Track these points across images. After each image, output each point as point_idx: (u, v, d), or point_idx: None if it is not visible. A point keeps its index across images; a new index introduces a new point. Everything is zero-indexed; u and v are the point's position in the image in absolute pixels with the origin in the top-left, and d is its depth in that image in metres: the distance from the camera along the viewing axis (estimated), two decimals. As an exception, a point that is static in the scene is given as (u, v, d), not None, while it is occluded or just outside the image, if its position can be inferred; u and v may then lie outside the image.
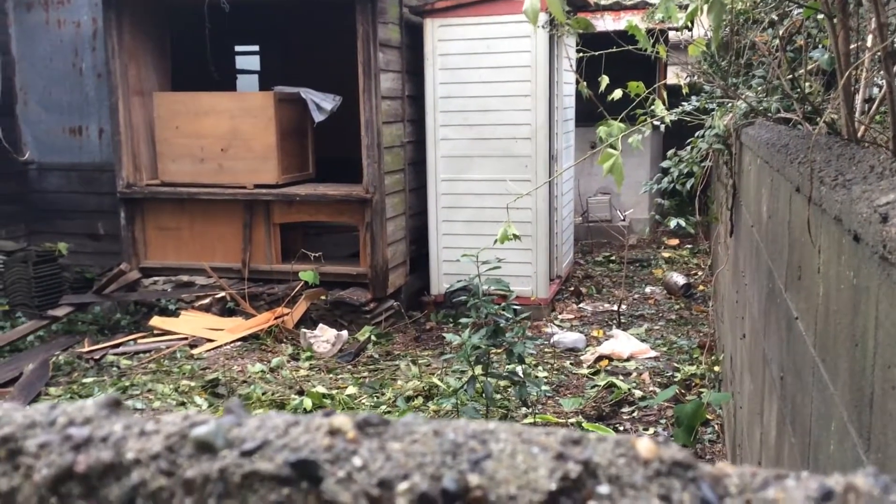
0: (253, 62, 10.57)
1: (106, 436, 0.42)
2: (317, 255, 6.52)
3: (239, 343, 6.20)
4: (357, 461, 0.40)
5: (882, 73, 1.82)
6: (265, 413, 0.44)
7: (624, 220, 9.89)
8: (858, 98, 2.30)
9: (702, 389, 4.96)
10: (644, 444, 0.40)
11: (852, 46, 2.16)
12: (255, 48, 10.41)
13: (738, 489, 0.38)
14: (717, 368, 5.01)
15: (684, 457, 0.39)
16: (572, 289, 7.86)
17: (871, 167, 1.34)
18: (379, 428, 0.41)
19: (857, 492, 0.37)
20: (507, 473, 0.39)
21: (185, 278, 6.99)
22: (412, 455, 0.39)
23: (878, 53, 1.74)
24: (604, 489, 0.39)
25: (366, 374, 5.65)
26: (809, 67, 2.83)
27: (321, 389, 5.14)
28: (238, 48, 10.39)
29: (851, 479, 0.38)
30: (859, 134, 1.98)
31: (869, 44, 2.44)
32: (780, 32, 3.10)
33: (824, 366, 1.40)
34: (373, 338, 6.28)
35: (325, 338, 6.13)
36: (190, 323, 6.43)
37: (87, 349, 6.04)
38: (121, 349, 6.07)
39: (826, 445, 1.37)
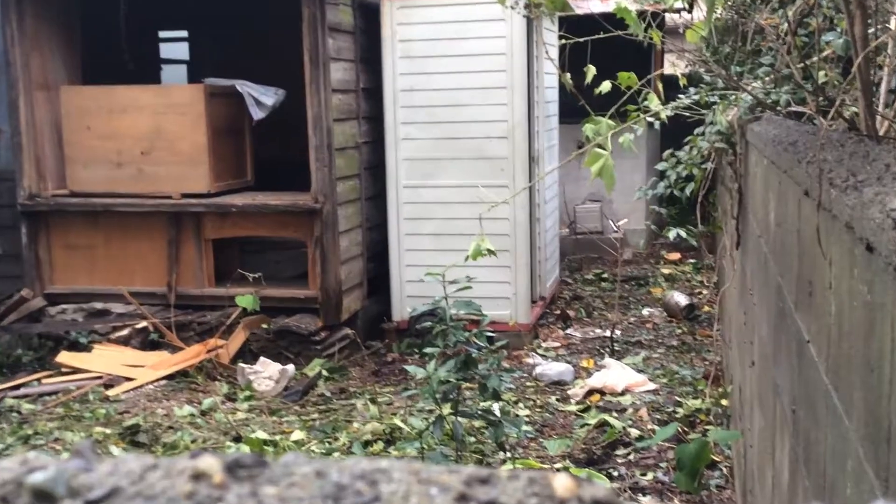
0: (181, 50, 10.52)
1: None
2: (257, 276, 6.49)
3: (164, 382, 6.15)
4: (222, 510, 0.39)
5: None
6: (121, 456, 0.44)
7: (617, 231, 9.97)
8: (881, 89, 2.34)
9: (707, 427, 4.99)
10: (561, 482, 0.41)
11: (871, 30, 2.20)
12: (184, 34, 10.37)
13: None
14: (724, 402, 5.03)
15: (606, 495, 0.40)
16: (558, 312, 7.87)
17: (886, 166, 1.37)
18: (252, 470, 0.41)
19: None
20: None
21: (98, 306, 6.91)
22: (287, 501, 0.39)
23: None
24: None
25: (316, 415, 5.63)
26: (824, 54, 2.87)
27: (262, 435, 5.11)
28: (163, 34, 10.34)
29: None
30: (881, 130, 2.01)
31: (893, 26, 2.50)
32: (791, 14, 3.14)
33: (838, 395, 1.41)
34: (324, 373, 6.28)
35: (267, 374, 6.10)
36: (105, 359, 6.36)
37: (-20, 392, 5.96)
38: (22, 391, 6.00)
39: (842, 488, 1.38)
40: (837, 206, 1.36)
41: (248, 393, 5.96)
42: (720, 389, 5.33)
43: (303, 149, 6.71)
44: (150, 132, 6.88)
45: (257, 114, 6.89)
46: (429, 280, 4.41)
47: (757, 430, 3.00)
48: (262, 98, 6.92)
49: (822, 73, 2.82)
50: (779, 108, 3.23)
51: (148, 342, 6.63)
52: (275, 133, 8.03)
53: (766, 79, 3.74)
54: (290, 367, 6.21)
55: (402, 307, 7.08)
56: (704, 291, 8.30)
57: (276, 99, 6.97)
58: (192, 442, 5.07)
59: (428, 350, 4.44)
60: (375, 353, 6.87)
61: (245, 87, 6.93)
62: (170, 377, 6.19)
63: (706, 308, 7.78)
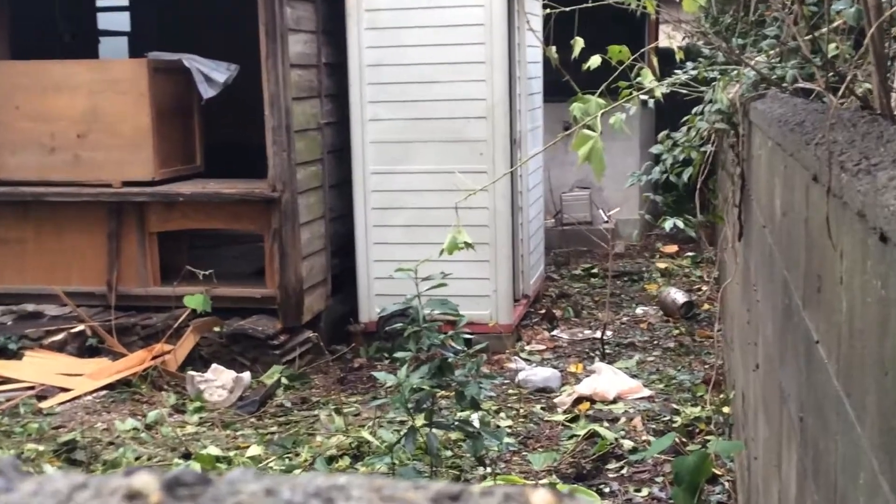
0: (121, 21, 10.44)
1: None
2: (208, 273, 6.46)
3: (104, 392, 6.12)
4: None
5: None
6: (48, 474, 0.44)
7: (608, 221, 9.98)
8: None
9: (708, 437, 5.02)
10: (540, 498, 0.41)
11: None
12: (124, 2, 10.29)
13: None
14: (726, 409, 5.05)
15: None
16: (543, 311, 7.89)
17: (902, 148, 1.38)
18: (194, 489, 0.40)
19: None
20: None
21: (30, 307, 6.86)
22: (235, 523, 0.39)
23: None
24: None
25: (274, 428, 5.63)
26: (834, 24, 2.87)
27: (214, 451, 5.10)
28: (101, 2, 10.27)
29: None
30: (896, 107, 2.03)
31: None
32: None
33: (850, 401, 1.42)
34: (283, 380, 6.28)
35: (219, 382, 6.09)
36: (37, 367, 6.31)
37: None
38: (-57, 404, 5.92)
39: (854, 503, 1.39)
40: (848, 193, 1.37)
41: (198, 404, 5.94)
42: (721, 396, 5.35)
43: (258, 131, 6.68)
44: (86, 113, 6.82)
45: (207, 91, 6.85)
46: (399, 276, 4.40)
47: (762, 439, 3.01)
48: (212, 74, 6.88)
49: (832, 45, 2.78)
50: (785, 84, 3.23)
51: (86, 348, 6.59)
52: (227, 113, 7.99)
53: (771, 52, 3.74)
54: (246, 375, 6.20)
55: (371, 307, 7.07)
56: (704, 288, 8.34)
57: (227, 75, 6.93)
58: (136, 459, 5.04)
59: (399, 354, 4.43)
60: (341, 358, 6.87)
61: (193, 62, 6.88)
62: (110, 387, 6.15)
63: (706, 306, 7.82)
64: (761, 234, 3.11)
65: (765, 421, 2.90)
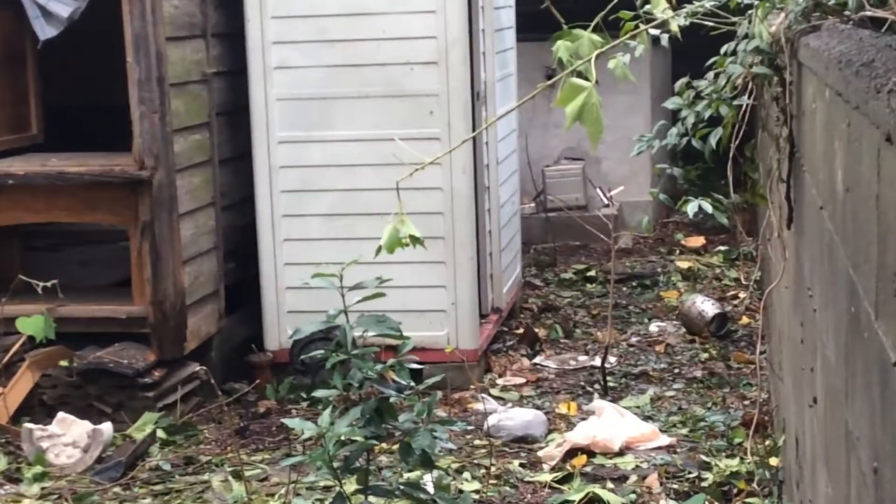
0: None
1: None
2: (50, 284, 6.39)
3: None
4: None
5: None
6: None
7: (609, 205, 10.03)
8: None
9: (750, 499, 5.02)
10: None
11: None
12: None
13: None
14: (774, 461, 5.04)
15: None
16: (521, 331, 7.86)
17: None
18: None
19: None
20: None
21: None
22: None
23: None
24: None
25: (148, 501, 5.58)
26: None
27: (63, 535, 5.05)
28: None
29: None
30: None
31: None
32: None
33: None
34: (160, 434, 6.25)
35: (69, 438, 6.03)
36: None
37: None
38: None
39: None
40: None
41: (39, 469, 5.87)
42: (768, 443, 5.31)
43: (119, 86, 6.61)
44: None
45: (46, 31, 6.75)
46: (319, 285, 4.34)
47: (823, 500, 2.98)
48: (52, 7, 6.76)
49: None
50: (847, 12, 3.22)
51: None
52: (75, 63, 7.95)
53: (829, -32, 3.76)
54: (107, 428, 6.15)
55: (281, 329, 7.06)
56: (742, 294, 8.35)
57: (74, 7, 6.80)
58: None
59: (320, 394, 4.40)
60: (240, 400, 6.83)
61: (25, -9, 6.80)
62: (-87, 447, 6.09)
63: (745, 320, 7.82)
64: (818, 219, 3.05)
65: (826, 475, 2.86)
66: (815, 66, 3.06)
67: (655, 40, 4.49)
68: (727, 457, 5.66)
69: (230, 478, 5.70)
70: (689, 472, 5.58)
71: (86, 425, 6.09)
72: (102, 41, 7.07)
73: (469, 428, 6.19)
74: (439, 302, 6.95)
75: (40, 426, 6.11)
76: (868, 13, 3.01)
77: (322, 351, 4.41)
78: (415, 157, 4.01)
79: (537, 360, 7.49)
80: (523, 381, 7.11)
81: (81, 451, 6.00)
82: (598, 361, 7.13)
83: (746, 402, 6.37)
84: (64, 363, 6.52)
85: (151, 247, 6.60)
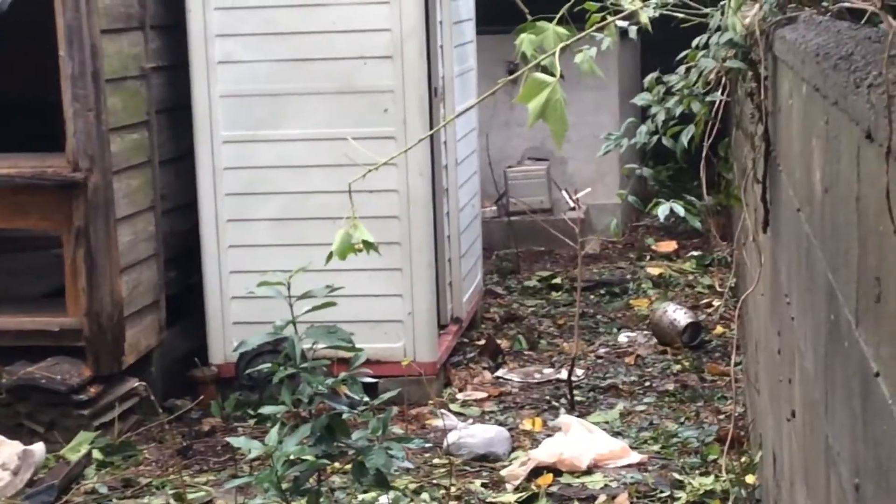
0: None
1: None
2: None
3: None
4: None
5: None
6: None
7: (575, 208, 10.03)
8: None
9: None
10: None
11: None
12: None
13: None
14: (750, 479, 5.18)
15: None
16: (483, 342, 7.95)
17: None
18: None
19: None
20: None
21: None
22: None
23: None
24: None
25: (83, 527, 5.60)
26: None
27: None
28: None
29: None
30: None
31: None
32: None
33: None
34: (97, 454, 6.31)
35: (-4, 460, 5.97)
36: None
37: None
38: None
39: None
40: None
41: (-37, 494, 5.90)
42: (744, 459, 5.46)
43: (51, 81, 6.65)
44: None
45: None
46: (265, 294, 4.48)
47: (801, 521, 3.09)
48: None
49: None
50: (824, 2, 3.36)
51: None
52: (2, 56, 8.16)
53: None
54: (39, 449, 6.21)
55: (226, 341, 7.12)
56: (716, 302, 8.49)
57: (2, -1, 6.87)
58: None
59: (267, 410, 4.53)
60: (182, 418, 6.85)
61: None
62: None
63: (719, 329, 8.01)
64: (795, 221, 3.15)
65: (805, 493, 2.98)
66: (792, 59, 3.18)
67: (624, 33, 4.65)
68: (701, 474, 5.79)
69: (172, 501, 5.82)
70: (661, 491, 5.70)
71: (16, 446, 6.15)
72: (32, 32, 7.15)
73: (427, 446, 6.26)
74: (395, 312, 7.07)
75: (-34, 448, 6.16)
76: (846, 4, 3.16)
77: (270, 364, 4.51)
78: (368, 158, 4.13)
79: (500, 373, 7.62)
80: (485, 395, 7.23)
81: (11, 473, 6.02)
82: (564, 374, 7.25)
83: (721, 417, 6.51)
84: (-8, 380, 6.55)
85: (86, 254, 6.64)
